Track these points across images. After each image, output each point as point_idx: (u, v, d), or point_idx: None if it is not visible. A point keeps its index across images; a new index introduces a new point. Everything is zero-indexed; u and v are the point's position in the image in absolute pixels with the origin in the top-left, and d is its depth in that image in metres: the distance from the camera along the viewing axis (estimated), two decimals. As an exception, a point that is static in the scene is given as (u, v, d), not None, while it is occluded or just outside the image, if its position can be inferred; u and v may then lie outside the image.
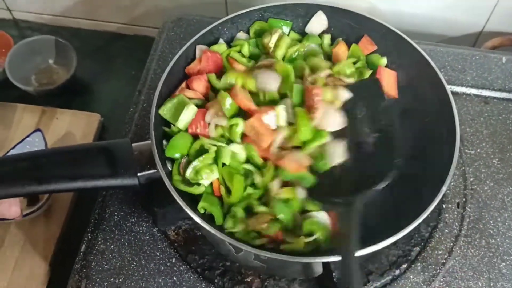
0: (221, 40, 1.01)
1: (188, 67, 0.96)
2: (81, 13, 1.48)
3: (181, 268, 0.91)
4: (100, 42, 1.50)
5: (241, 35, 1.02)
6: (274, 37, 0.97)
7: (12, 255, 1.04)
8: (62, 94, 1.33)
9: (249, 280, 0.90)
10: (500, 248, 0.96)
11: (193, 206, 0.82)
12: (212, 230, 0.78)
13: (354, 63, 0.98)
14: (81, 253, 0.93)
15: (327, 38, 1.03)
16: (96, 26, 1.51)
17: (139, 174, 0.82)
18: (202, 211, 0.84)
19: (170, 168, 0.85)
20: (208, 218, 0.83)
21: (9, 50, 1.32)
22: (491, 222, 0.99)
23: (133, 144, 0.84)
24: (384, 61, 1.00)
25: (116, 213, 0.97)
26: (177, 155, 0.85)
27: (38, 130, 1.20)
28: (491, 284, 0.93)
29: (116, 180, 0.80)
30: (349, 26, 1.04)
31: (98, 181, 0.79)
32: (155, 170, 0.82)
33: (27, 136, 1.18)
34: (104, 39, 1.51)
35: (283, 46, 0.96)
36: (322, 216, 0.81)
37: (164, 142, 0.87)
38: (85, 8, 1.46)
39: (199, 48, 0.97)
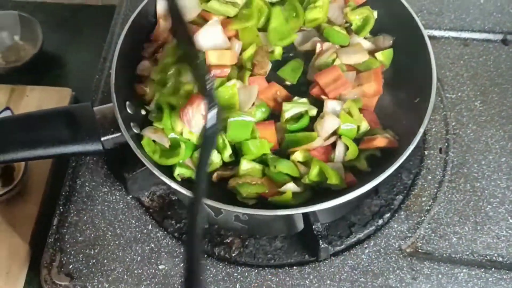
0: None
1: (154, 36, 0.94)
2: (44, -15, 1.42)
3: (158, 234, 0.88)
4: (66, 14, 1.44)
5: None
6: None
7: (-11, 237, 1.01)
8: (31, 70, 1.28)
9: (229, 241, 0.88)
10: (486, 191, 0.94)
11: (164, 169, 0.79)
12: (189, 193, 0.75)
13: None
14: (54, 227, 0.90)
15: None
16: (61, -3, 1.45)
17: (102, 139, 0.78)
18: (179, 179, 0.81)
19: (135, 131, 0.81)
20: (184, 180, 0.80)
21: (-29, 28, 1.26)
22: (475, 165, 0.97)
23: (95, 108, 0.81)
24: (374, 14, 0.96)
25: (87, 184, 0.93)
26: None
27: (7, 108, 1.16)
28: (478, 228, 0.90)
29: (78, 146, 0.77)
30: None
31: (59, 148, 0.76)
32: (120, 134, 0.78)
33: (-4, 115, 1.15)
34: (71, 11, 1.45)
35: None
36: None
37: (128, 103, 0.84)
38: (48, -20, 1.40)
39: (160, 2, 0.92)
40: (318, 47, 0.93)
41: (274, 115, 0.88)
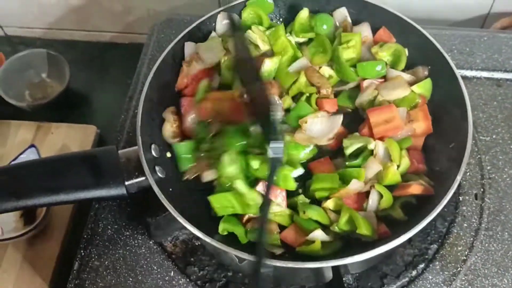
0: (213, 33, 0.96)
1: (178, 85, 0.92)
2: (73, 24, 1.44)
3: (181, 281, 0.85)
4: (94, 52, 1.46)
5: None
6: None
7: (10, 276, 1.00)
8: (57, 108, 1.29)
9: (254, 290, 0.84)
10: (525, 240, 0.89)
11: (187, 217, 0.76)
12: (213, 242, 0.72)
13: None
14: (74, 272, 0.87)
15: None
16: (90, 36, 1.47)
17: (126, 183, 0.76)
18: (225, 233, 0.78)
19: (160, 175, 0.79)
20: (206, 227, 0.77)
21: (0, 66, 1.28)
22: (513, 212, 0.92)
23: (120, 151, 0.79)
24: (405, 52, 0.93)
25: (109, 227, 0.91)
26: None
27: (32, 146, 1.17)
28: (518, 280, 0.85)
29: (102, 191, 0.75)
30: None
31: (82, 193, 0.74)
32: (144, 178, 0.76)
33: (21, 153, 1.15)
34: (99, 49, 1.47)
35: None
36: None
37: (153, 146, 0.82)
38: (77, 18, 1.42)
39: (188, 45, 0.91)
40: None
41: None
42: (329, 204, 0.79)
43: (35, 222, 1.02)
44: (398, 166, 0.80)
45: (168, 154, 0.86)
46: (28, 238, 1.03)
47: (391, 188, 0.80)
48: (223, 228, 0.78)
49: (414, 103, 0.87)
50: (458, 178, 0.74)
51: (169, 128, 0.84)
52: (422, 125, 0.84)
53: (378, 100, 0.86)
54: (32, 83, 1.34)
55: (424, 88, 0.89)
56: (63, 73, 1.31)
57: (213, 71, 0.91)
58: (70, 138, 1.20)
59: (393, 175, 0.78)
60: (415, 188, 0.78)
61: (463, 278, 0.85)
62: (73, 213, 1.08)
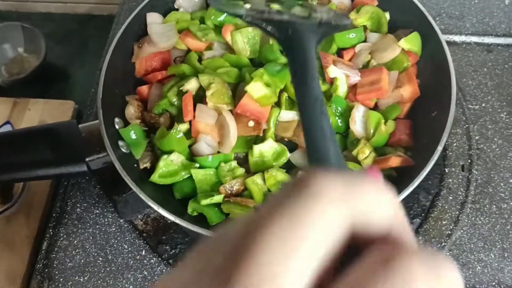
0: (182, 9, 0.90)
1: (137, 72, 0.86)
2: (48, -5, 1.39)
3: (152, 261, 0.82)
4: (72, 25, 1.41)
5: None
6: None
7: (-13, 255, 0.97)
8: (34, 83, 1.25)
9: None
10: (514, 213, 0.85)
11: (153, 193, 0.72)
12: (179, 221, 0.68)
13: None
14: (43, 251, 0.84)
15: None
16: (66, 8, 1.42)
17: (87, 159, 0.72)
18: (194, 214, 0.75)
19: (123, 150, 0.75)
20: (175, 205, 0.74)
21: (-27, 41, 1.24)
22: (502, 184, 0.87)
23: (81, 125, 0.74)
24: (386, 15, 0.88)
25: (78, 205, 0.87)
26: None
27: (7, 122, 1.12)
28: (505, 255, 0.81)
29: (61, 168, 0.71)
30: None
31: (41, 170, 0.70)
32: (106, 154, 0.72)
33: (-4, 130, 1.11)
34: (76, 22, 1.41)
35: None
36: None
37: (117, 119, 0.77)
38: (52, -10, 1.37)
39: (151, 16, 0.86)
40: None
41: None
42: None
43: (12, 200, 0.98)
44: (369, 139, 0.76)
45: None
46: (6, 217, 1.00)
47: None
48: (192, 208, 0.74)
49: (404, 65, 0.81)
50: (439, 148, 0.69)
51: (132, 112, 0.79)
52: (408, 89, 0.79)
53: (372, 64, 0.81)
54: (8, 57, 1.30)
55: (412, 42, 0.82)
56: (39, 47, 1.26)
57: (167, 55, 0.85)
58: (47, 114, 1.16)
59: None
60: (394, 161, 0.73)
61: (448, 253, 0.82)
62: (51, 190, 1.04)
